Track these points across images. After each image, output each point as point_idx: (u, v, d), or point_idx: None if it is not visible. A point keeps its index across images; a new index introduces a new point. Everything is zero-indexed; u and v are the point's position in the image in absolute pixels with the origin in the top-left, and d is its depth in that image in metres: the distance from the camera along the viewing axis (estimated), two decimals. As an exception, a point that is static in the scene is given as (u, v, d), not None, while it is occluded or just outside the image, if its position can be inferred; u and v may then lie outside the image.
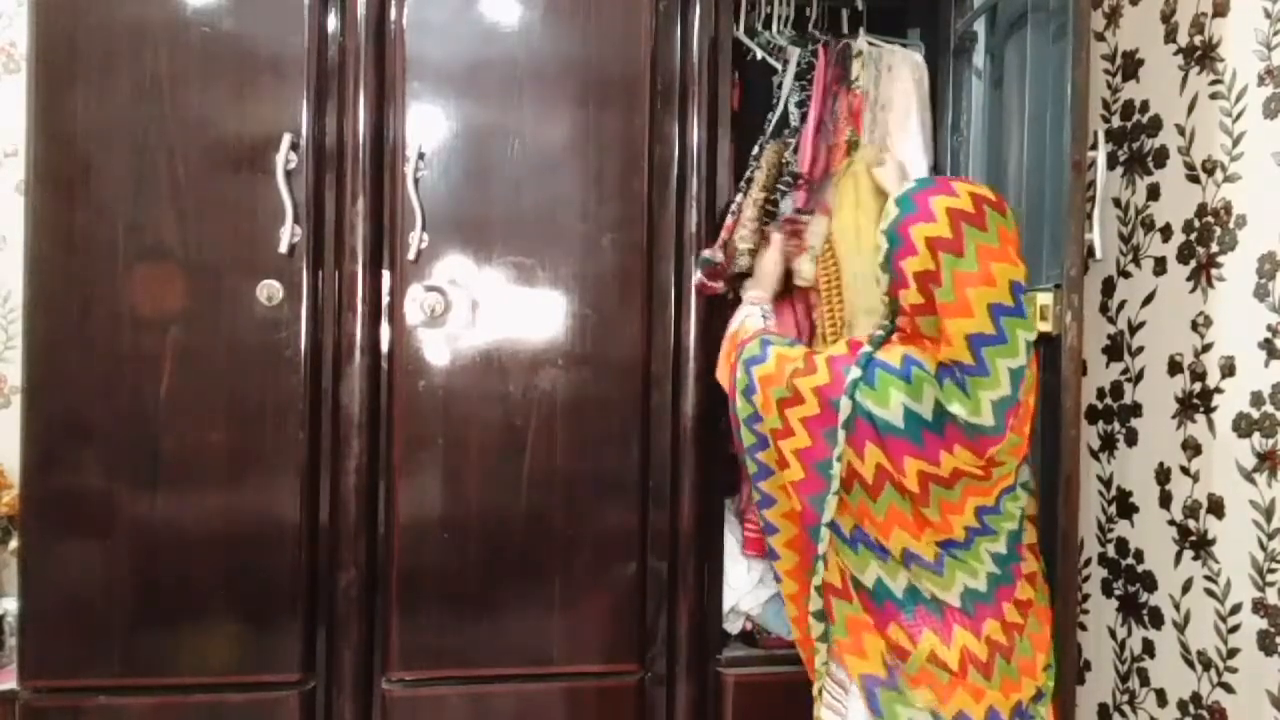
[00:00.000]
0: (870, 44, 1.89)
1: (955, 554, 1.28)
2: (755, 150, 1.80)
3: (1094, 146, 1.61)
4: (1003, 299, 1.20)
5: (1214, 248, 1.48)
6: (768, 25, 1.90)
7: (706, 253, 1.68)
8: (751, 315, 1.56)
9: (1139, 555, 1.65)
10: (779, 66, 1.82)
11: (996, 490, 1.28)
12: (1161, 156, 1.61)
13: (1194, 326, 1.52)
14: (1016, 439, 1.25)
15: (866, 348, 1.31)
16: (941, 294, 1.22)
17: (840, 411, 1.27)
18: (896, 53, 1.89)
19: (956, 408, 1.21)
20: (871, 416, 1.25)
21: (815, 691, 1.44)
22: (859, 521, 1.31)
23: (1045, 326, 1.47)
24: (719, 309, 1.69)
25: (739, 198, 1.77)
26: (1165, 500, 1.59)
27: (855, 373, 1.27)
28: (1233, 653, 1.43)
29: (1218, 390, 1.47)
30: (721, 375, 1.53)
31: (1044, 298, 1.48)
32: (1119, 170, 1.71)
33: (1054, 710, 1.36)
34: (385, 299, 1.60)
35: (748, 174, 1.78)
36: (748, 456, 1.43)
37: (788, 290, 1.75)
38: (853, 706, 1.34)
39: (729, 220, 1.75)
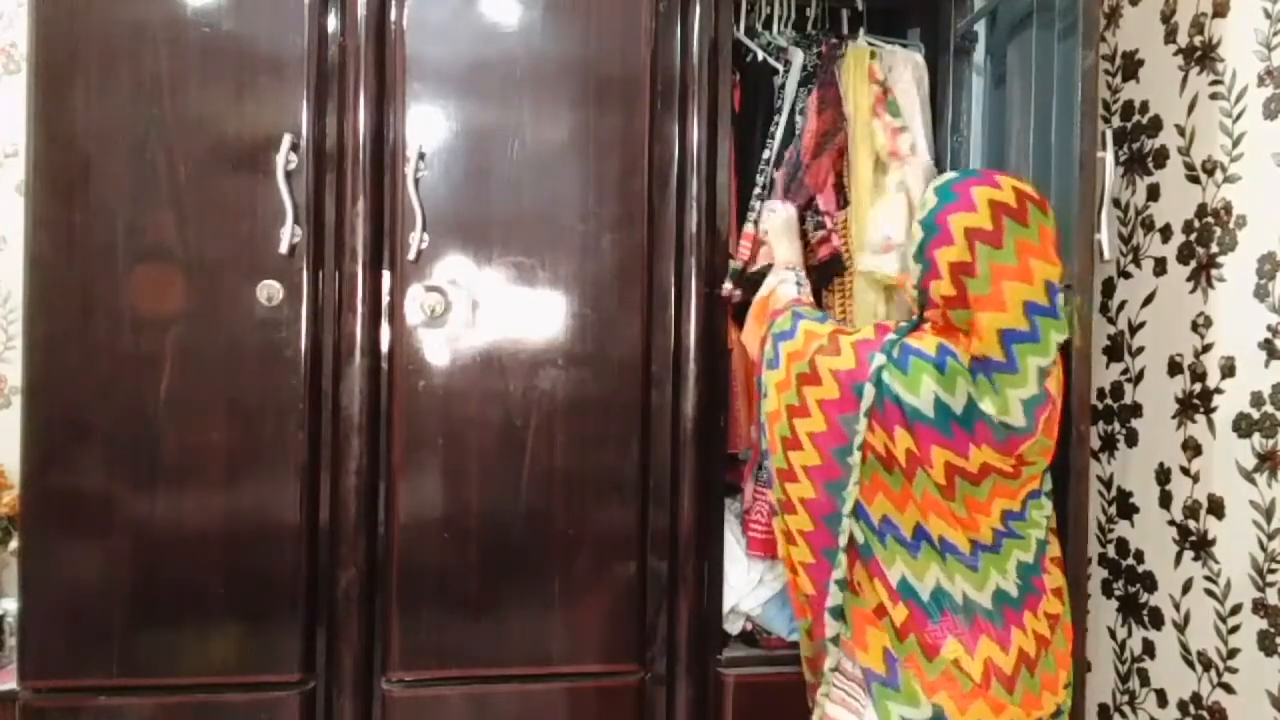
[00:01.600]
0: (870, 45, 1.89)
1: (987, 552, 1.26)
2: (768, 156, 1.80)
3: (1101, 147, 1.61)
4: (1037, 297, 1.19)
5: (1214, 248, 1.48)
6: (768, 25, 1.90)
7: (737, 264, 1.68)
8: (786, 282, 1.53)
9: (1139, 556, 1.65)
10: (779, 67, 1.82)
11: (1023, 493, 1.26)
12: (1161, 157, 1.61)
13: (1194, 327, 1.52)
14: (1046, 440, 1.24)
15: (892, 334, 1.29)
16: (975, 286, 1.20)
17: (864, 399, 1.25)
18: (897, 53, 1.89)
19: (988, 405, 1.19)
20: (900, 401, 1.22)
21: (821, 694, 1.40)
22: (890, 511, 1.27)
23: None
24: (719, 309, 1.69)
25: (756, 205, 1.77)
26: (1165, 500, 1.59)
27: (880, 359, 1.24)
28: (1233, 653, 1.44)
29: (1218, 390, 1.48)
30: (749, 340, 1.52)
31: None
32: (1119, 170, 1.71)
33: None
34: (385, 299, 1.60)
35: (764, 181, 1.78)
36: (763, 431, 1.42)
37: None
38: (870, 704, 1.31)
39: (750, 229, 1.75)
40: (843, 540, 1.29)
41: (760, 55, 1.83)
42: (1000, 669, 1.23)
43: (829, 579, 1.32)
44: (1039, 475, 1.27)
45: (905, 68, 1.87)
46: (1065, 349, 1.43)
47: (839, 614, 1.32)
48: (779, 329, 1.39)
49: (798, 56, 1.82)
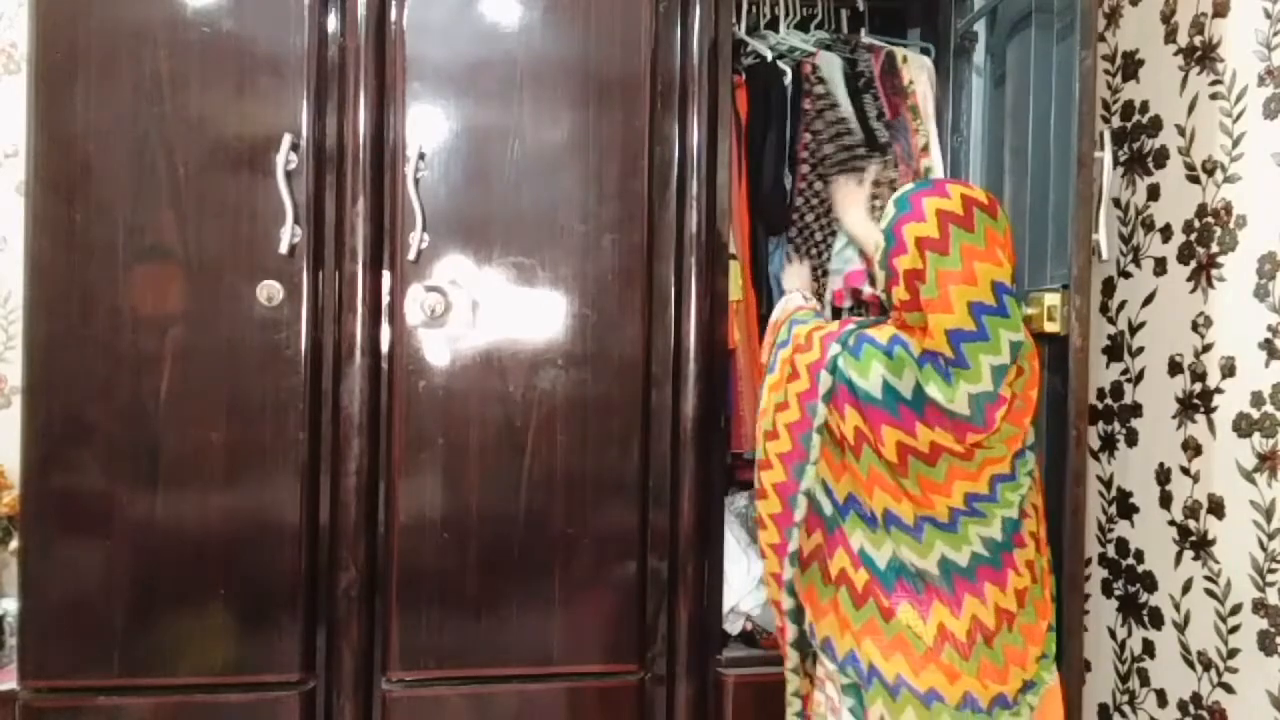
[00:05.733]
0: (871, 46, 1.89)
1: (937, 528, 1.29)
2: (805, 172, 1.81)
3: (1099, 147, 1.61)
4: (984, 298, 1.23)
5: (1214, 248, 1.48)
6: (768, 26, 1.91)
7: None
8: (792, 298, 1.61)
9: (1139, 555, 1.65)
10: (787, 70, 1.82)
11: (986, 475, 1.28)
12: (1161, 157, 1.61)
13: (1194, 327, 1.52)
14: (1012, 429, 1.27)
15: (852, 326, 1.37)
16: (926, 290, 1.25)
17: (820, 385, 1.33)
18: (911, 57, 1.89)
19: (934, 390, 1.24)
20: (852, 385, 1.29)
21: (793, 697, 1.45)
22: (854, 488, 1.34)
23: (1053, 327, 1.47)
24: (720, 309, 1.69)
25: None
26: (1165, 500, 1.59)
27: (835, 348, 1.33)
28: (1233, 653, 1.44)
29: (1218, 390, 1.48)
30: (765, 359, 1.57)
31: (1051, 298, 1.48)
32: (1119, 170, 1.71)
33: (1059, 692, 1.35)
34: (385, 299, 1.60)
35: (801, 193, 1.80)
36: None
37: None
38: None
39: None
40: (798, 515, 1.38)
41: (769, 56, 1.83)
42: (952, 633, 1.28)
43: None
44: (1004, 459, 1.29)
45: (921, 71, 1.88)
46: (1060, 350, 1.43)
47: (792, 589, 1.41)
48: (780, 339, 1.47)
49: (834, 62, 1.82)
